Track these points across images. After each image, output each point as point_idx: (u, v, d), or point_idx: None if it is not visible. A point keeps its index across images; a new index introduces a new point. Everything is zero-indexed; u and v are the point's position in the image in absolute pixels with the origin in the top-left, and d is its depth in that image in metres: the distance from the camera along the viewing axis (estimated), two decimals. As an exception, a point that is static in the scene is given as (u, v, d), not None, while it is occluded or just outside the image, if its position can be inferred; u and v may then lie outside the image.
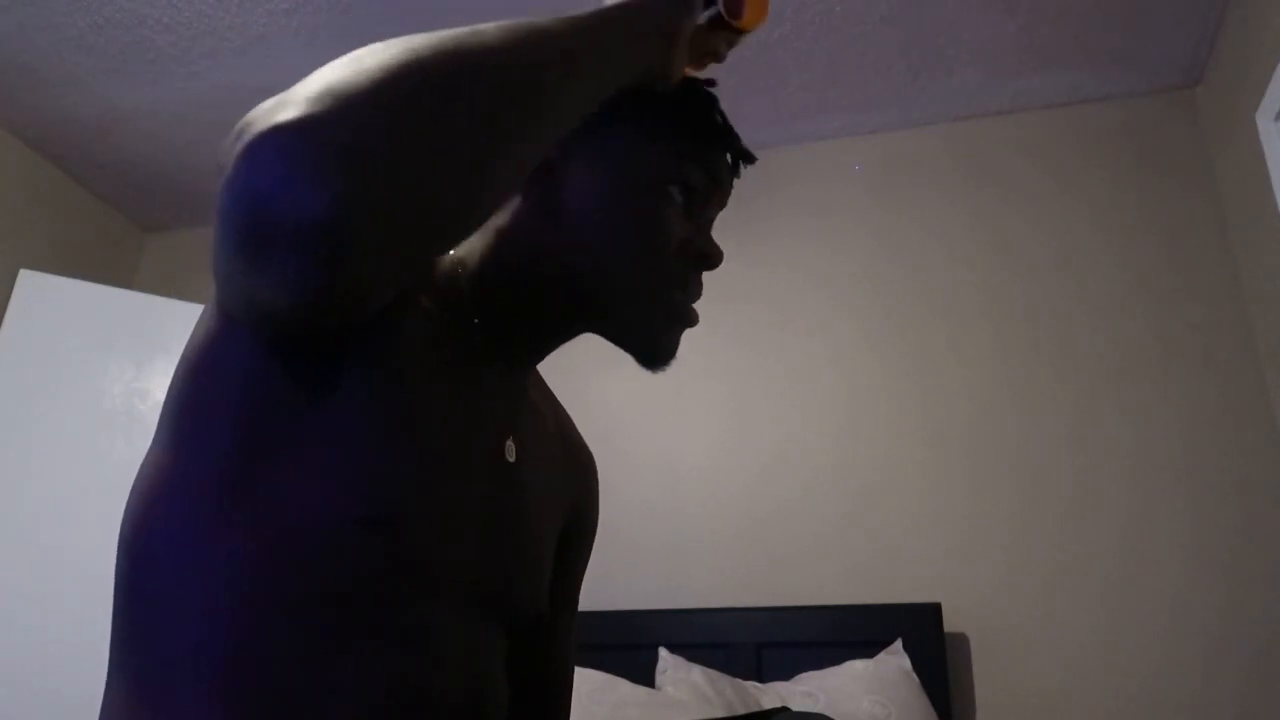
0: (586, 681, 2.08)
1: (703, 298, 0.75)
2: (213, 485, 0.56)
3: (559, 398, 0.89)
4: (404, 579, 0.59)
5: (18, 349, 2.74)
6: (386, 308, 0.61)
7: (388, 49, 0.49)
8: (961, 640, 2.30)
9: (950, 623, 2.32)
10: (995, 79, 2.67)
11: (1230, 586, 2.20)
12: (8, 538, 2.58)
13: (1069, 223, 2.62)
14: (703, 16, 0.73)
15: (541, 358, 0.76)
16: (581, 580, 0.87)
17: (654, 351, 0.73)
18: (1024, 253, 2.63)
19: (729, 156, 0.76)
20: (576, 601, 0.87)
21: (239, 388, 0.57)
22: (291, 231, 0.44)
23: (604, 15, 0.62)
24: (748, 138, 2.81)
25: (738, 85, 2.69)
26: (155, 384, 2.85)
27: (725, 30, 0.74)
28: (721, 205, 0.77)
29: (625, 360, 0.75)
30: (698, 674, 2.11)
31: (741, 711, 2.02)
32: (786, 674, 2.22)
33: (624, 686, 2.08)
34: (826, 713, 1.73)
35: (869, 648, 2.21)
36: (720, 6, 0.73)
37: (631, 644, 2.34)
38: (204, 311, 0.61)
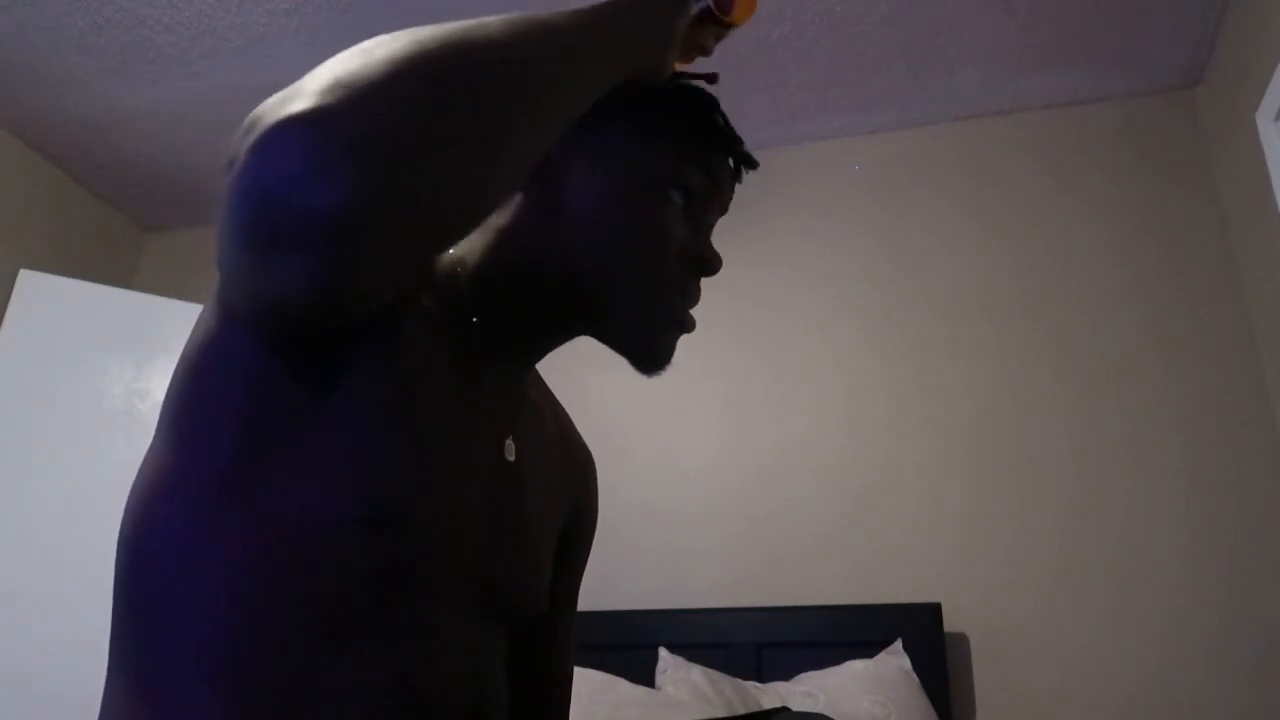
0: (586, 681, 2.08)
1: (702, 297, 0.75)
2: (213, 484, 0.56)
3: (559, 398, 0.89)
4: (404, 579, 0.59)
5: (18, 349, 2.74)
6: (387, 307, 0.61)
7: (395, 41, 0.49)
8: (961, 640, 2.30)
9: (950, 623, 2.32)
10: (995, 79, 2.67)
11: (1230, 586, 2.20)
12: (8, 538, 2.58)
13: (1069, 223, 2.62)
14: (693, 9, 0.73)
15: (540, 357, 0.76)
16: (581, 580, 0.87)
17: (650, 355, 0.72)
18: (1024, 253, 2.63)
19: (731, 161, 0.76)
20: (576, 601, 0.86)
21: (239, 387, 0.57)
22: (305, 224, 0.44)
23: (605, 11, 0.62)
24: (748, 138, 2.81)
25: (738, 85, 2.69)
26: (155, 384, 2.84)
27: (714, 25, 0.74)
28: (722, 211, 0.77)
29: (624, 360, 0.75)
30: (698, 674, 2.10)
31: (741, 711, 2.02)
32: (786, 674, 2.22)
33: (624, 686, 2.08)
34: (826, 713, 1.73)
35: (869, 648, 2.21)
36: (710, 2, 0.73)
37: (631, 644, 2.34)
38: (203, 311, 0.61)
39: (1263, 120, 2.14)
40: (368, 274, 0.47)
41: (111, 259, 3.35)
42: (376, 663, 0.57)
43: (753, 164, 0.76)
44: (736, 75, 2.65)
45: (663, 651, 2.25)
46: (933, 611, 2.24)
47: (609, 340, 0.73)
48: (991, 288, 2.62)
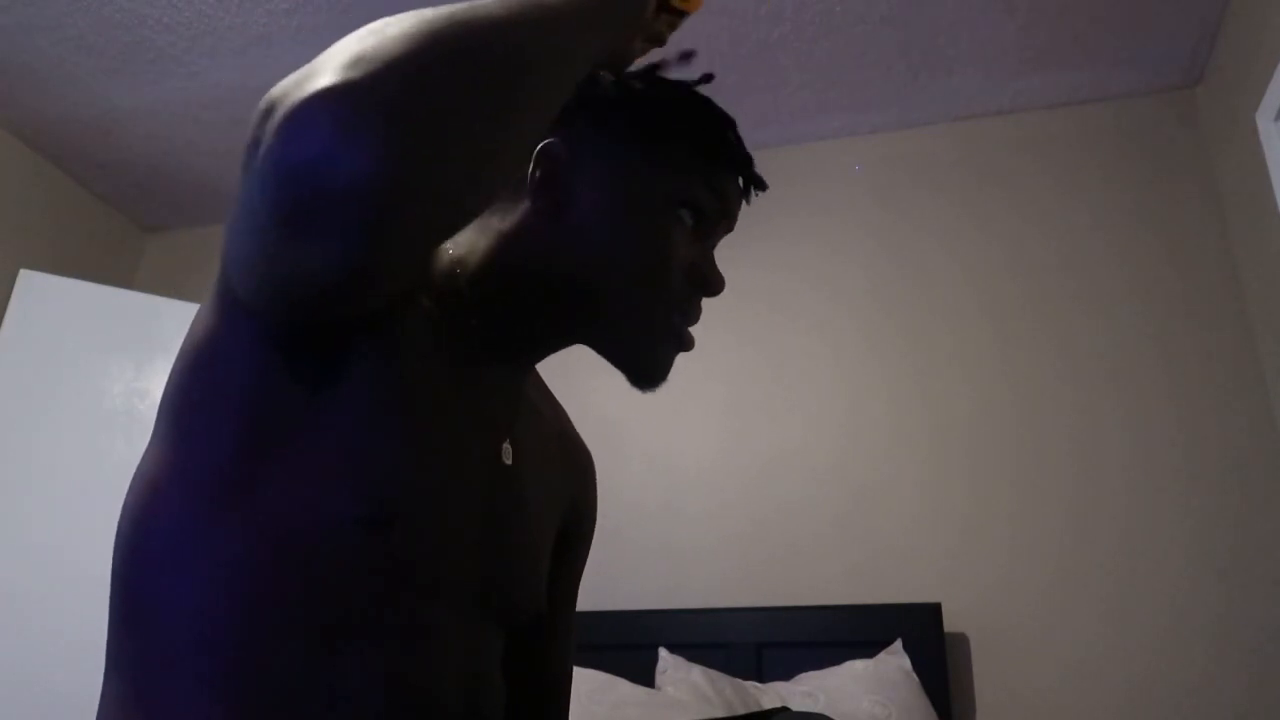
0: (586, 681, 2.08)
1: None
2: (211, 483, 0.56)
3: (558, 398, 0.89)
4: (402, 579, 0.59)
5: (18, 349, 2.74)
6: (387, 307, 0.61)
7: (403, 21, 0.49)
8: (961, 640, 2.30)
9: (950, 623, 2.32)
10: (995, 79, 2.67)
11: (1230, 586, 2.20)
12: (8, 538, 2.58)
13: (1069, 223, 2.62)
14: None
15: (540, 359, 0.76)
16: (580, 580, 0.87)
17: (646, 370, 0.72)
18: (1024, 253, 2.63)
19: (741, 182, 0.75)
20: (575, 601, 0.86)
21: (239, 385, 0.57)
22: (342, 196, 0.44)
23: None
24: (748, 138, 2.81)
25: (738, 85, 2.69)
26: (155, 384, 2.85)
27: (668, 14, 0.74)
28: (728, 230, 0.77)
29: (624, 360, 0.75)
30: (698, 674, 2.10)
31: (741, 711, 2.02)
32: (786, 674, 2.22)
33: (624, 686, 2.08)
34: (826, 713, 1.73)
35: (869, 648, 2.21)
36: None
37: (631, 644, 2.34)
38: (200, 309, 0.61)
39: (1263, 120, 2.14)
40: (399, 249, 0.47)
41: (111, 259, 3.35)
42: (374, 662, 0.57)
43: (763, 186, 0.75)
44: (736, 75, 2.65)
45: (663, 651, 2.25)
46: (933, 611, 2.24)
47: (606, 352, 0.73)
48: (991, 288, 2.61)
